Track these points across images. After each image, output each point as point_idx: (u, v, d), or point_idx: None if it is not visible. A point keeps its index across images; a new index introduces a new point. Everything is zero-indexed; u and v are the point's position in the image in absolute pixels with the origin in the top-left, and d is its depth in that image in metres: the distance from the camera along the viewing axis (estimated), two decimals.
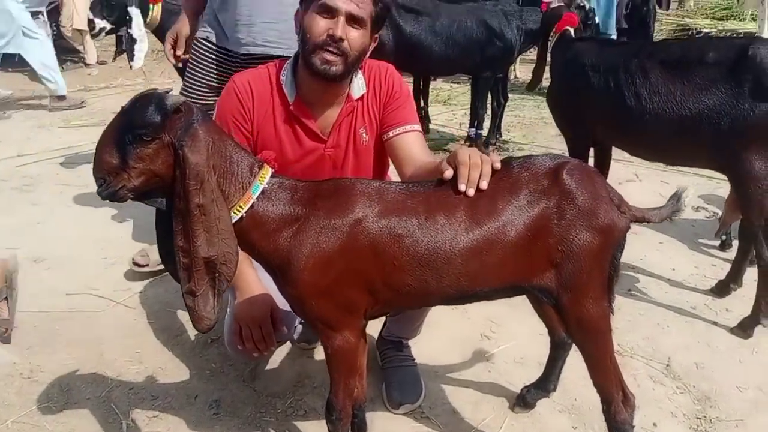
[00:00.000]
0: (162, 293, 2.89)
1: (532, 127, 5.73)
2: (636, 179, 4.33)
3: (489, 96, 4.87)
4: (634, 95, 2.55)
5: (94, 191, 1.42)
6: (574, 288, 1.56)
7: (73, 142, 5.11)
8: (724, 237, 3.29)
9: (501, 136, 5.18)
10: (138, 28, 3.74)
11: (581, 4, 4.68)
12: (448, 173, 1.54)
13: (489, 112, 5.05)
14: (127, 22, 3.76)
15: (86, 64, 8.39)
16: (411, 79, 5.64)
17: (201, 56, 2.59)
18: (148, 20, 3.87)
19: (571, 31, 3.21)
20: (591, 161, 3.11)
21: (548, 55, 3.34)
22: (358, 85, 1.96)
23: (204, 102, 2.55)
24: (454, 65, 4.58)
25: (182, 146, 1.33)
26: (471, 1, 4.70)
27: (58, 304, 2.80)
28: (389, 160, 2.09)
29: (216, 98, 2.47)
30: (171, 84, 6.41)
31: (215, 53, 2.55)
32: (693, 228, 3.60)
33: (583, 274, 1.55)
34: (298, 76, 1.92)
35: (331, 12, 1.79)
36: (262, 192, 1.47)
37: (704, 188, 4.12)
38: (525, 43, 4.59)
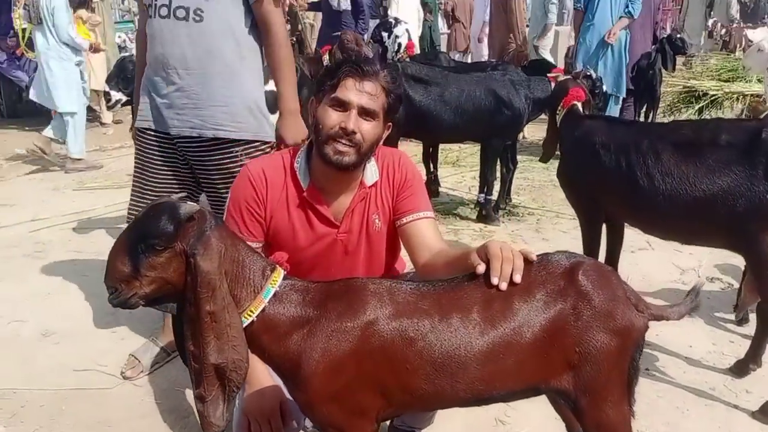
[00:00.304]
0: (170, 371, 2.85)
1: (542, 190, 5.74)
2: (648, 247, 4.29)
3: (498, 161, 4.89)
4: (647, 176, 2.55)
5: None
6: (592, 391, 1.52)
7: (86, 206, 5.16)
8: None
9: (511, 201, 5.19)
10: None
11: (588, 74, 4.75)
12: (481, 268, 1.52)
13: (498, 176, 5.07)
14: None
15: (102, 123, 8.57)
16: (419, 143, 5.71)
17: (147, 148, 2.56)
18: None
19: (579, 106, 3.23)
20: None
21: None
22: (371, 173, 1.98)
23: (160, 196, 2.47)
24: (463, 133, 4.63)
25: (194, 254, 1.32)
26: (479, 71, 4.77)
27: (65, 381, 2.77)
28: (401, 244, 2.09)
29: (181, 189, 2.49)
30: None
31: (159, 141, 2.54)
32: (708, 300, 3.54)
33: (601, 376, 1.51)
34: (311, 163, 1.95)
35: (343, 105, 1.82)
36: (274, 295, 1.46)
37: (718, 257, 4.07)
38: (533, 111, 4.64)
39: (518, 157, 5.34)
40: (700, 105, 7.23)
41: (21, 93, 9.05)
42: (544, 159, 3.68)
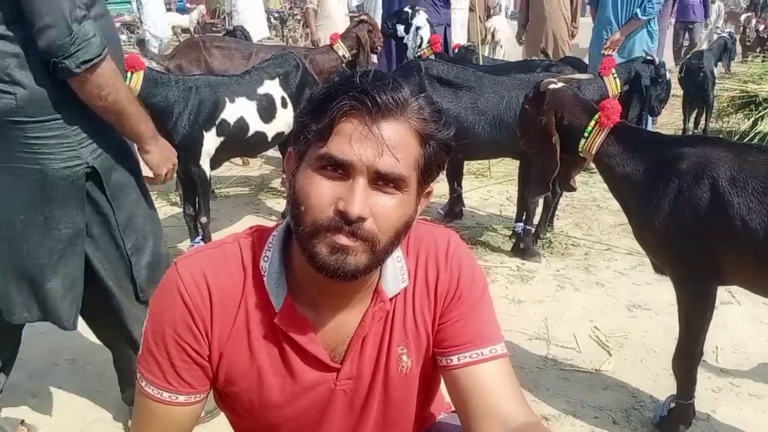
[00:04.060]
0: None
1: (584, 213, 4.83)
2: (733, 300, 3.41)
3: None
4: None
5: None
6: None
7: None
8: None
9: (552, 229, 4.30)
10: None
11: (649, 58, 3.87)
12: None
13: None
14: None
15: None
16: None
17: None
18: None
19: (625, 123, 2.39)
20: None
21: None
22: (394, 274, 1.12)
23: None
24: (501, 149, 3.74)
25: None
26: (524, 72, 3.85)
27: None
28: (440, 381, 1.24)
29: None
30: None
31: None
32: None
33: None
34: (290, 261, 1.08)
35: (342, 168, 0.95)
36: None
37: None
38: None
39: None
40: (759, 114, 6.28)
41: None
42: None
